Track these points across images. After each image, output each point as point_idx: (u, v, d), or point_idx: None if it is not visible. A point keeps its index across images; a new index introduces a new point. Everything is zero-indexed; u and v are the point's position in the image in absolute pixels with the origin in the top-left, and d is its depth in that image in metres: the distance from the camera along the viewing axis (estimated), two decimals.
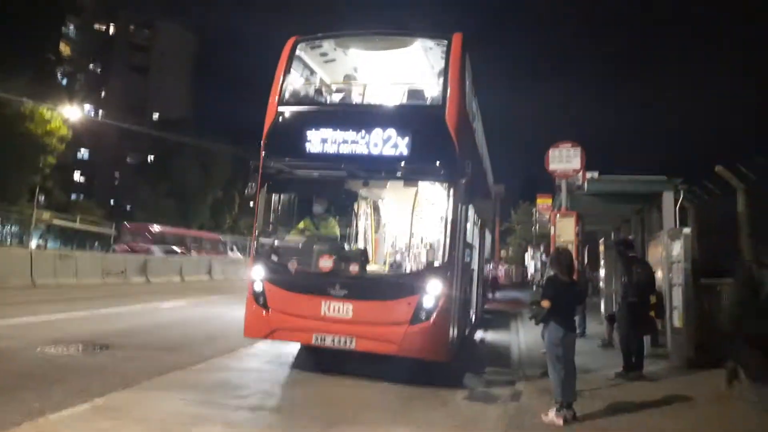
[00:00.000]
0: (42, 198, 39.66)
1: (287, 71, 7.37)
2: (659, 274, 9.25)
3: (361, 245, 8.58)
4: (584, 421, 5.11)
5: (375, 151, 6.52)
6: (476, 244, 10.36)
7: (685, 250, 7.87)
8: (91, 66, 63.62)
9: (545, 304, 5.30)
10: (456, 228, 6.47)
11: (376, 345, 6.24)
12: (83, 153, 62.20)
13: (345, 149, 6.61)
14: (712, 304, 8.48)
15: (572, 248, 7.24)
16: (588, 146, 8.55)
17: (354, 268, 6.63)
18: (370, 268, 7.53)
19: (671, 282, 8.49)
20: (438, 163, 6.45)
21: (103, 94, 64.54)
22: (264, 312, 6.62)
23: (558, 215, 8.20)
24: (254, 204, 7.15)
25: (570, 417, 5.07)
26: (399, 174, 6.72)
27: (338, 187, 7.68)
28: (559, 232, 7.95)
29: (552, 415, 5.09)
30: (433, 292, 6.20)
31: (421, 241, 9.07)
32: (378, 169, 6.77)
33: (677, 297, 8.13)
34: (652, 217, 11.40)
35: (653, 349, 8.94)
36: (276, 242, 7.25)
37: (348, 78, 8.37)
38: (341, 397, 5.82)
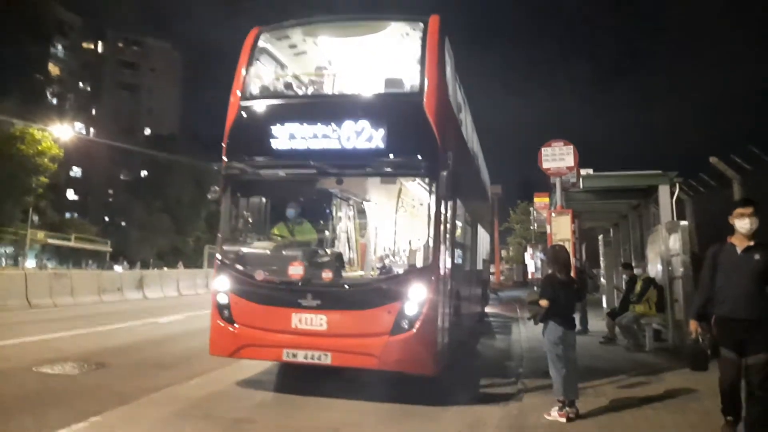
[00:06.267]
0: (36, 218, 39.48)
1: (249, 63, 6.82)
2: (659, 268, 9.24)
3: (337, 250, 7.98)
4: (587, 418, 5.05)
5: (347, 145, 5.96)
6: (469, 243, 9.81)
7: (683, 243, 7.86)
8: (80, 85, 63.62)
9: (543, 303, 5.25)
10: (440, 226, 5.87)
11: (354, 359, 5.66)
12: (76, 171, 62.00)
13: (314, 144, 6.06)
14: None
15: (569, 246, 7.17)
16: (582, 146, 8.53)
17: (327, 274, 6.00)
18: (349, 274, 7.02)
19: (671, 275, 8.47)
20: (417, 155, 5.86)
21: (93, 112, 64.59)
22: (229, 327, 6.08)
23: (554, 213, 8.15)
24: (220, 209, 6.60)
25: (573, 414, 5.02)
26: (375, 169, 6.12)
27: (311, 188, 7.15)
28: (556, 231, 7.89)
29: (555, 414, 5.04)
30: (416, 297, 5.61)
31: (407, 243, 8.52)
32: (351, 165, 6.12)
33: (678, 290, 8.11)
34: (650, 212, 11.40)
35: (657, 343, 8.91)
36: (242, 250, 6.56)
37: (320, 69, 7.74)
38: (336, 408, 5.72)
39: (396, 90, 6.51)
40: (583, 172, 10.07)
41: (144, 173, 51.76)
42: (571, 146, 8.49)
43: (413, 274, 5.95)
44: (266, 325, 5.92)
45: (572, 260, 6.27)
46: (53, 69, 55.59)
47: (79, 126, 54.79)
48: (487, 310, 16.40)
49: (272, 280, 6.06)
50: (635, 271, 9.85)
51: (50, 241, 41.03)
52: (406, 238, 8.89)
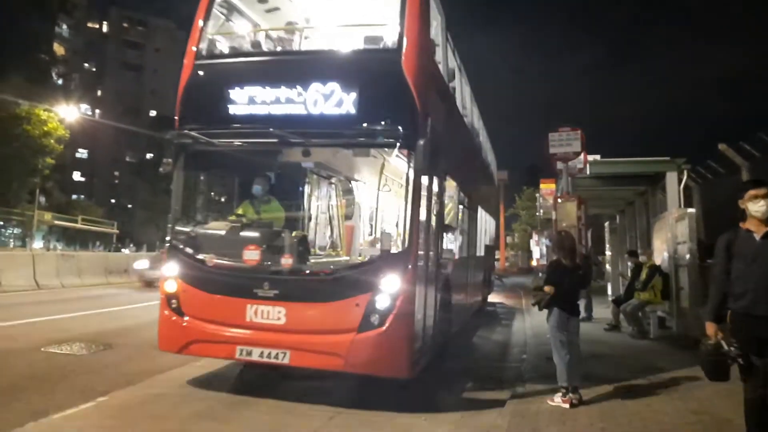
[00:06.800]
0: (42, 199, 39.69)
1: (207, 17, 6.04)
2: (665, 255, 9.21)
3: (307, 232, 7.24)
4: (590, 404, 5.06)
5: (313, 110, 5.24)
6: (466, 227, 9.01)
7: (690, 231, 7.81)
8: (86, 65, 63.39)
9: (548, 289, 5.24)
10: (419, 204, 5.07)
11: (316, 359, 4.97)
12: (82, 153, 62.08)
13: (275, 109, 5.37)
14: None
15: (575, 232, 7.14)
16: (591, 133, 8.45)
17: (286, 260, 5.30)
18: (314, 260, 6.41)
19: (677, 263, 8.44)
20: (393, 121, 5.02)
21: (98, 93, 64.41)
22: (178, 319, 5.40)
23: (559, 200, 8.11)
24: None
25: (576, 401, 5.03)
26: (345, 138, 5.35)
27: (280, 161, 6.42)
28: (561, 217, 7.86)
29: (558, 400, 5.05)
30: (388, 288, 4.87)
31: (389, 226, 7.91)
32: (317, 133, 5.33)
33: (684, 278, 8.08)
34: (656, 199, 11.32)
35: (661, 330, 8.92)
36: (195, 231, 5.85)
37: (290, 24, 6.91)
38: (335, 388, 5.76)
39: (371, 47, 5.74)
40: (590, 158, 10.00)
41: (149, 155, 51.74)
42: (579, 132, 8.43)
43: (386, 261, 5.12)
44: (218, 318, 5.27)
45: (578, 246, 6.25)
46: (58, 49, 55.33)
47: (84, 107, 54.69)
48: (492, 297, 16.13)
49: (225, 266, 5.41)
50: (641, 258, 9.82)
51: (57, 222, 41.31)
52: (390, 220, 8.22)
